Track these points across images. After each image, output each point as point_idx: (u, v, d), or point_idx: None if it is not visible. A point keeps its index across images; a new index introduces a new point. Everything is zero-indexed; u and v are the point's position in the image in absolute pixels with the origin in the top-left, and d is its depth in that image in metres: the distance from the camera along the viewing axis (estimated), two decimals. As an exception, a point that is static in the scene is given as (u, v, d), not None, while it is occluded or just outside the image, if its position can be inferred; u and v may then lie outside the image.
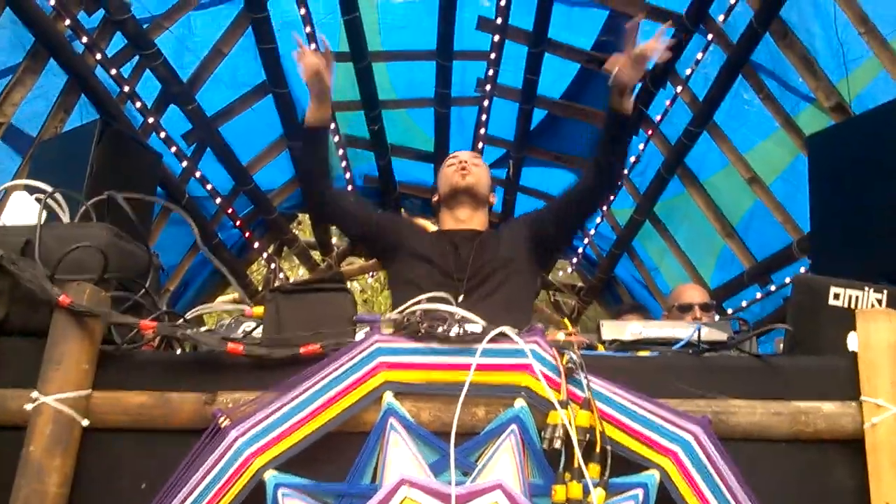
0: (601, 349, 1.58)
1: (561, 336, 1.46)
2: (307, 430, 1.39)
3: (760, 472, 1.37)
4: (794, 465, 1.40)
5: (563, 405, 1.35)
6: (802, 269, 4.78)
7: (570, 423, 1.32)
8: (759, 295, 5.21)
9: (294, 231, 7.07)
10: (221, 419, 1.38)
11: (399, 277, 2.48)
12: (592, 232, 6.50)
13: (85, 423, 1.42)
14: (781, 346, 2.14)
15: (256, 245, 6.29)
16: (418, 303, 1.53)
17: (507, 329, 1.43)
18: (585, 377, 1.38)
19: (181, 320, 1.60)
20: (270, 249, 6.72)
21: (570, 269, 7.31)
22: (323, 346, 1.44)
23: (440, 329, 1.44)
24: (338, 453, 1.40)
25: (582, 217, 2.60)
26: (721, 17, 4.46)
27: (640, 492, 1.33)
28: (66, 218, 1.70)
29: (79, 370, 1.42)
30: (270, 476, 1.37)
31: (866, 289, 1.82)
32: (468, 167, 2.58)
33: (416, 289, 2.37)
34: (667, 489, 1.34)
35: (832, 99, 4.13)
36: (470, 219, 2.57)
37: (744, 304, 5.35)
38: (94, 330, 1.45)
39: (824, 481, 1.39)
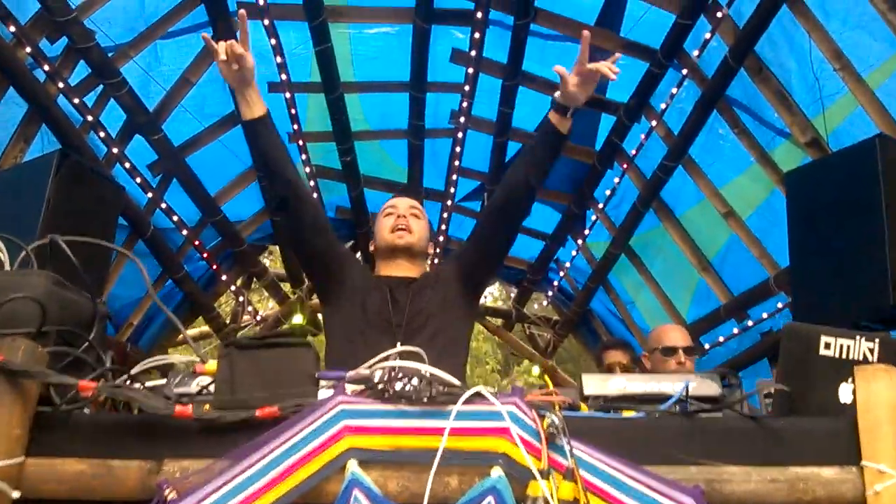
0: (584, 409, 1.47)
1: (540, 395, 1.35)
2: (265, 498, 1.26)
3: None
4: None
5: (545, 475, 1.23)
6: (780, 305, 4.75)
7: (551, 495, 1.21)
8: (735, 330, 5.16)
9: (263, 263, 6.93)
10: (167, 491, 1.25)
11: (336, 319, 2.41)
12: (568, 265, 6.43)
13: (15, 494, 1.28)
14: (764, 388, 2.06)
15: (224, 277, 6.14)
16: (386, 358, 1.41)
17: (483, 389, 1.32)
18: (568, 443, 1.27)
19: (126, 377, 1.47)
20: (239, 282, 6.57)
21: (545, 302, 7.23)
22: (281, 409, 1.31)
23: (409, 388, 1.32)
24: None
25: (504, 234, 2.46)
26: (696, 53, 4.45)
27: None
28: (7, 263, 1.56)
29: (10, 436, 1.28)
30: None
31: (857, 337, 1.73)
32: (407, 224, 2.50)
33: (356, 334, 2.31)
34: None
35: (808, 134, 4.12)
36: (408, 269, 2.51)
37: (721, 339, 5.30)
38: (29, 390, 1.31)
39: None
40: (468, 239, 2.65)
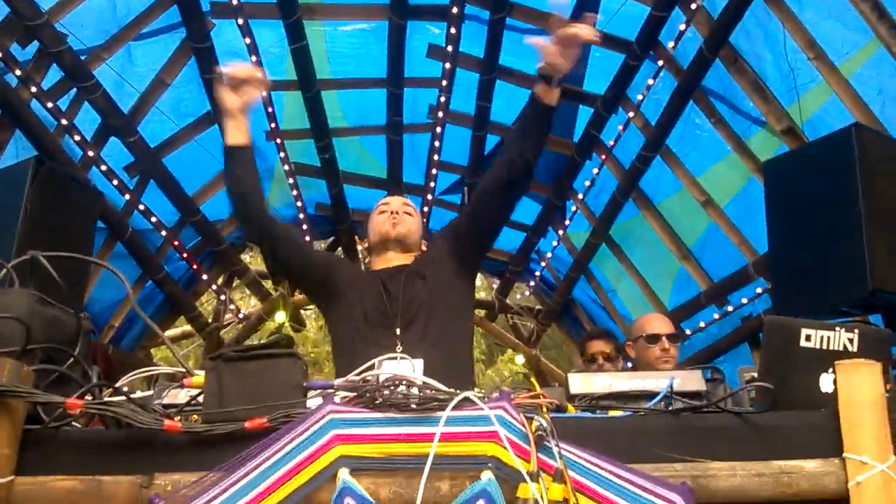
0: (571, 409, 1.48)
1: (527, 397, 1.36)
2: (256, 509, 1.27)
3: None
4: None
5: (534, 477, 1.25)
6: (759, 290, 4.80)
7: (541, 497, 1.22)
8: (716, 315, 5.22)
9: (244, 261, 6.90)
10: (159, 505, 1.25)
11: (336, 321, 2.41)
12: (549, 255, 6.46)
13: (6, 513, 1.28)
14: (746, 375, 2.09)
15: (205, 277, 6.11)
16: (372, 367, 1.41)
17: (471, 394, 1.33)
18: (557, 445, 1.28)
19: (111, 390, 1.46)
20: (220, 281, 6.54)
21: (527, 292, 7.27)
22: (270, 420, 1.32)
23: (398, 395, 1.33)
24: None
25: (501, 211, 2.46)
26: (671, 44, 4.47)
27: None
28: (-13, 279, 1.55)
29: (-2, 456, 1.28)
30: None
31: (837, 329, 1.77)
32: (399, 218, 2.51)
33: (356, 333, 2.31)
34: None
35: (783, 123, 4.16)
36: (400, 260, 2.50)
37: (702, 324, 5.36)
38: (15, 410, 1.31)
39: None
40: (462, 215, 2.65)
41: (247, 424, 1.31)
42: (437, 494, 1.29)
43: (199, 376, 1.43)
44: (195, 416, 1.45)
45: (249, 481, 1.27)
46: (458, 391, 1.35)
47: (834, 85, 3.87)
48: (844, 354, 1.69)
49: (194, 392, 1.49)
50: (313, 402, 1.40)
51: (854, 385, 1.37)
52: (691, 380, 1.60)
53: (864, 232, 2.61)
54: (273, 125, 5.23)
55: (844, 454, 1.33)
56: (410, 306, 2.32)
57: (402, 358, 1.43)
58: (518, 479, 1.27)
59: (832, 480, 1.32)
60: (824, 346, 1.74)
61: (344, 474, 1.29)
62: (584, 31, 2.14)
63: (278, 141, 5.37)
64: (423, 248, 2.58)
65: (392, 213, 2.53)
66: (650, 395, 1.52)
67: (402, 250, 2.50)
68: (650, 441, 1.36)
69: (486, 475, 1.29)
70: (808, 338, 1.73)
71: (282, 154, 5.45)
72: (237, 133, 2.37)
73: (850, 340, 1.77)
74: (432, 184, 5.85)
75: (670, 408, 1.46)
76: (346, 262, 2.64)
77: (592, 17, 2.24)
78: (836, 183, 2.77)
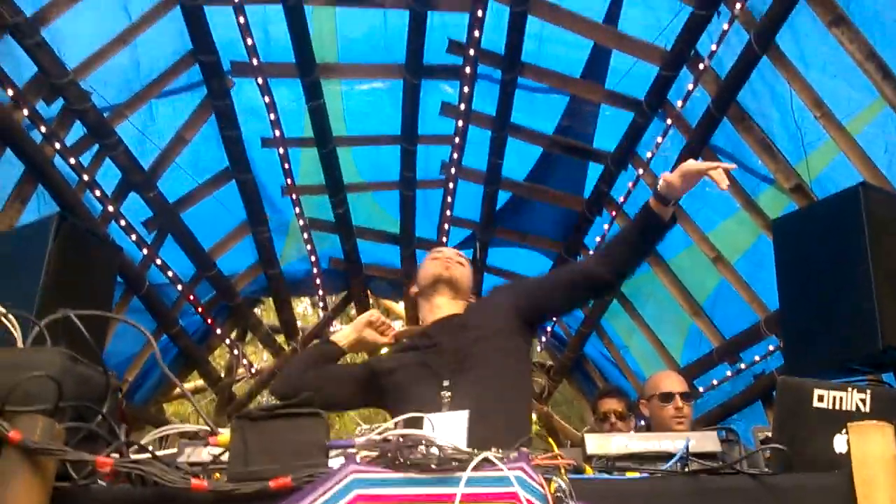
0: (588, 470, 1.51)
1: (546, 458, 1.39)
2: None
3: None
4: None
5: (554, 539, 1.27)
6: (771, 347, 4.80)
7: (561, 558, 1.25)
8: (729, 373, 5.20)
9: (258, 315, 6.94)
10: (185, 564, 1.28)
11: (390, 399, 2.38)
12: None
13: (35, 571, 1.31)
14: (759, 435, 2.10)
15: (219, 331, 6.15)
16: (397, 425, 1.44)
17: (491, 455, 1.36)
18: (574, 505, 1.31)
19: (139, 447, 1.50)
20: (233, 335, 6.57)
21: (539, 348, 7.25)
22: (294, 479, 1.35)
23: (419, 455, 1.36)
24: None
25: (577, 302, 2.64)
26: (679, 103, 4.56)
27: None
28: (19, 336, 1.60)
29: (29, 513, 1.30)
30: None
31: (850, 389, 1.79)
32: (452, 263, 2.53)
33: (403, 395, 2.26)
34: None
35: (791, 180, 4.22)
36: (450, 307, 2.48)
37: (714, 382, 5.34)
38: (47, 467, 1.34)
39: None
40: (540, 278, 2.71)
41: (271, 484, 1.34)
42: (458, 555, 1.31)
43: (225, 435, 1.46)
44: (217, 475, 1.48)
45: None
46: (476, 452, 1.38)
47: (841, 143, 3.94)
48: (857, 415, 1.72)
49: (216, 450, 1.53)
50: (335, 461, 1.43)
51: (867, 447, 1.39)
52: (707, 441, 1.62)
53: (873, 290, 2.65)
54: (289, 180, 5.33)
55: (861, 516, 1.35)
56: (460, 352, 2.29)
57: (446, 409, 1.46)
58: (538, 541, 1.29)
59: (849, 543, 1.33)
60: (837, 407, 1.76)
61: (366, 536, 1.31)
62: (714, 171, 2.23)
63: (294, 196, 5.47)
64: (472, 300, 2.58)
65: (446, 258, 2.55)
66: (667, 457, 1.54)
67: (453, 295, 2.48)
68: (667, 502, 1.38)
69: (506, 536, 1.31)
70: (820, 398, 1.76)
71: (297, 209, 5.54)
72: (347, 344, 2.49)
73: (863, 401, 1.80)
74: (444, 238, 5.91)
75: (687, 469, 1.47)
76: (385, 359, 2.60)
77: (728, 166, 2.33)
78: (845, 242, 2.81)
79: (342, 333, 2.52)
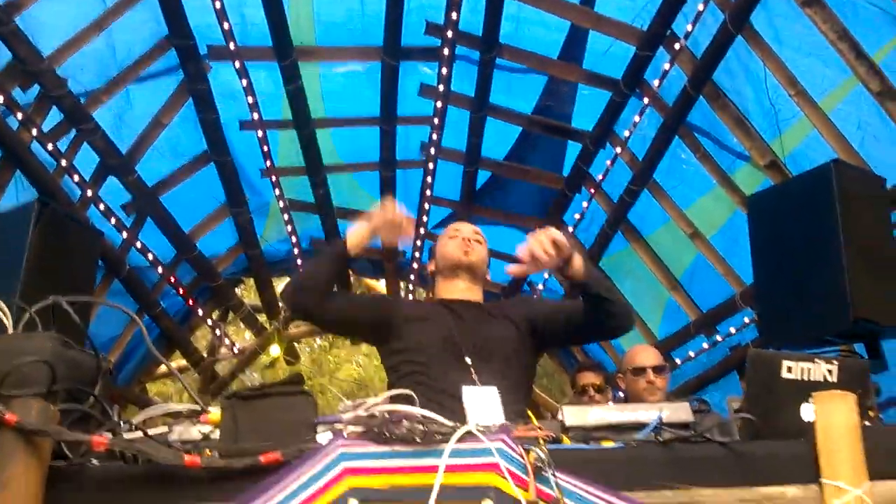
0: (566, 441, 1.57)
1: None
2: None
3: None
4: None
5: (533, 505, 1.33)
6: (746, 320, 4.91)
7: (540, 524, 1.31)
8: (705, 345, 5.32)
9: (239, 295, 6.96)
10: (179, 538, 1.33)
11: (397, 347, 2.35)
12: (541, 287, 6.56)
13: (33, 549, 1.35)
14: (734, 404, 2.18)
15: (200, 312, 6.17)
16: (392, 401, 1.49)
17: (473, 428, 1.41)
18: (553, 474, 1.37)
19: (132, 426, 1.54)
20: (215, 315, 6.60)
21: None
22: (284, 454, 1.40)
23: (404, 430, 1.41)
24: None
25: (575, 339, 2.55)
26: (656, 82, 4.62)
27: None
28: (9, 322, 1.63)
29: (27, 493, 1.34)
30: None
31: (817, 361, 1.86)
32: (471, 245, 2.50)
33: (423, 348, 2.26)
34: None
35: (766, 157, 4.30)
36: (468, 290, 2.49)
37: (691, 354, 5.45)
38: (43, 448, 1.38)
39: (792, 566, 1.39)
40: (556, 308, 2.66)
41: (262, 458, 1.39)
42: (443, 523, 1.37)
43: (215, 413, 1.51)
44: (208, 452, 1.52)
45: (265, 513, 1.35)
46: (458, 425, 1.43)
47: (815, 120, 4.02)
48: (824, 385, 1.79)
49: (206, 428, 1.57)
50: (323, 437, 1.48)
51: (831, 415, 1.46)
52: (680, 411, 1.68)
53: (844, 265, 2.74)
54: (268, 163, 5.34)
55: (822, 480, 1.42)
56: (486, 342, 2.30)
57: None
58: (519, 507, 1.35)
59: (811, 505, 1.41)
60: (805, 378, 1.84)
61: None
62: (533, 248, 2.16)
63: (273, 178, 5.48)
64: (488, 276, 2.58)
65: (465, 239, 2.51)
66: (641, 427, 1.60)
67: (471, 279, 2.49)
68: (641, 470, 1.44)
69: (487, 503, 1.37)
70: (789, 370, 1.83)
71: (276, 191, 5.56)
72: (359, 244, 2.35)
73: (830, 371, 1.87)
74: (425, 218, 5.96)
75: (660, 438, 1.54)
76: (402, 300, 2.58)
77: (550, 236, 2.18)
78: (817, 218, 2.90)
79: (356, 231, 2.36)
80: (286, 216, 5.80)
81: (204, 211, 5.62)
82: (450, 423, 1.44)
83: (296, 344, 7.84)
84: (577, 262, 2.21)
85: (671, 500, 1.40)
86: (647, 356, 3.31)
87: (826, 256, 2.84)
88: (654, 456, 1.48)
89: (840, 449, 1.43)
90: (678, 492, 1.42)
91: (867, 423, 1.68)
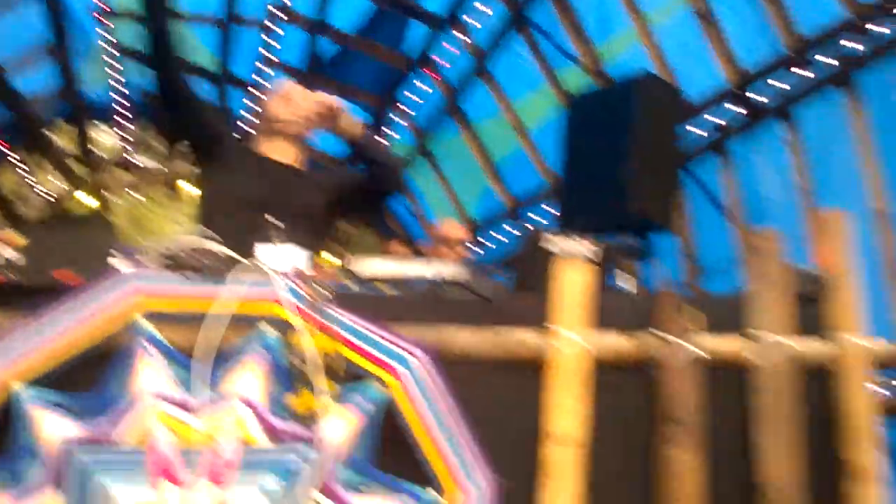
0: (352, 287, 1.78)
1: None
2: (59, 348, 1.46)
3: (470, 388, 1.65)
4: (499, 381, 1.71)
5: (304, 329, 1.53)
6: (552, 210, 5.34)
7: (308, 343, 1.52)
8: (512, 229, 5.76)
9: (53, 140, 6.63)
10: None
11: (212, 188, 2.43)
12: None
13: None
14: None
15: (10, 155, 5.86)
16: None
17: (259, 262, 1.58)
18: (326, 306, 1.57)
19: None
20: (25, 159, 6.28)
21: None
22: (77, 272, 1.51)
23: (197, 260, 1.56)
24: (92, 373, 1.49)
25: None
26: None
27: (358, 398, 1.55)
28: None
29: None
30: (20, 390, 1.44)
31: (576, 238, 2.18)
32: (301, 116, 2.50)
33: (232, 210, 2.28)
34: (392, 401, 1.58)
35: (593, 63, 4.59)
36: (285, 152, 2.52)
37: (500, 237, 5.89)
38: None
39: (521, 398, 1.71)
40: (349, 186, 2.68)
41: (55, 273, 1.50)
42: (223, 343, 1.55)
43: (16, 235, 1.58)
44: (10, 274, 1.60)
45: (56, 321, 1.47)
46: (251, 260, 1.60)
47: (641, 33, 4.32)
48: (577, 258, 2.11)
49: (11, 254, 1.64)
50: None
51: (565, 277, 1.77)
52: (458, 272, 1.94)
53: (629, 167, 3.09)
54: (101, 4, 5.04)
55: (550, 326, 1.73)
56: (288, 207, 2.30)
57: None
58: (291, 331, 1.56)
59: (540, 344, 1.72)
60: (565, 251, 2.16)
61: (142, 321, 1.51)
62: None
63: (103, 21, 5.20)
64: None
65: (297, 105, 2.50)
66: (421, 280, 1.85)
67: (293, 142, 2.52)
68: (410, 310, 1.70)
69: (265, 326, 1.56)
70: (550, 242, 2.14)
71: (105, 34, 5.27)
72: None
73: (587, 249, 2.21)
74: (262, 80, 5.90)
75: (427, 287, 1.79)
76: (235, 142, 2.57)
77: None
78: (620, 123, 3.21)
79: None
80: (114, 62, 5.54)
81: (24, 46, 5.25)
82: (238, 257, 1.60)
83: (104, 192, 7.57)
84: (347, 123, 2.47)
85: (430, 334, 1.66)
86: (451, 229, 3.64)
87: (618, 159, 3.18)
88: (423, 301, 1.75)
89: (569, 303, 1.74)
90: (436, 328, 1.68)
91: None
